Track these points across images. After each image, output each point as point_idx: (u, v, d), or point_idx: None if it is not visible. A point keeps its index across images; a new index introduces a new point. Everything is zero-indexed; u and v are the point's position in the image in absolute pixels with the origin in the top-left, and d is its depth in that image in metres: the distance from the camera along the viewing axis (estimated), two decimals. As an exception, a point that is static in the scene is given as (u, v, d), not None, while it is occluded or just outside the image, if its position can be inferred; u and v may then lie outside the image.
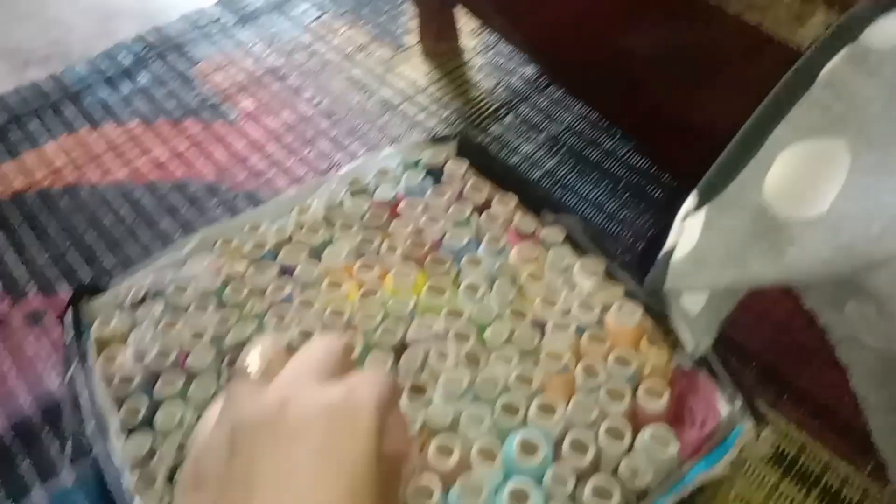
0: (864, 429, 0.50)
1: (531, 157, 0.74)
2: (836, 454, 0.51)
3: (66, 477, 0.54)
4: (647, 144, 0.71)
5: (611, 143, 0.75)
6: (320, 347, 0.31)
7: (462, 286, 0.51)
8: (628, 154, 0.73)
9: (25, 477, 0.55)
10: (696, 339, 0.42)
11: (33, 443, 0.57)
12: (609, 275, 0.51)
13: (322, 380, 0.29)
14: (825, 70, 0.35)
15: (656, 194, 0.69)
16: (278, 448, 0.26)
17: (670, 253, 0.37)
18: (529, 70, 0.85)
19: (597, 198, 0.70)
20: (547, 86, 0.83)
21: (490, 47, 0.88)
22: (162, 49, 0.93)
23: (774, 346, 0.57)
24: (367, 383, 0.29)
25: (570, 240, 0.54)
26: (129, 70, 0.91)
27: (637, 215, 0.68)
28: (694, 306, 0.41)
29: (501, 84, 0.84)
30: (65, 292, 0.67)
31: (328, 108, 0.85)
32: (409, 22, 0.94)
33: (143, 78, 0.91)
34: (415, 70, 0.87)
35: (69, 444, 0.55)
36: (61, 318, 0.52)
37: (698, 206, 0.37)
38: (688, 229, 0.37)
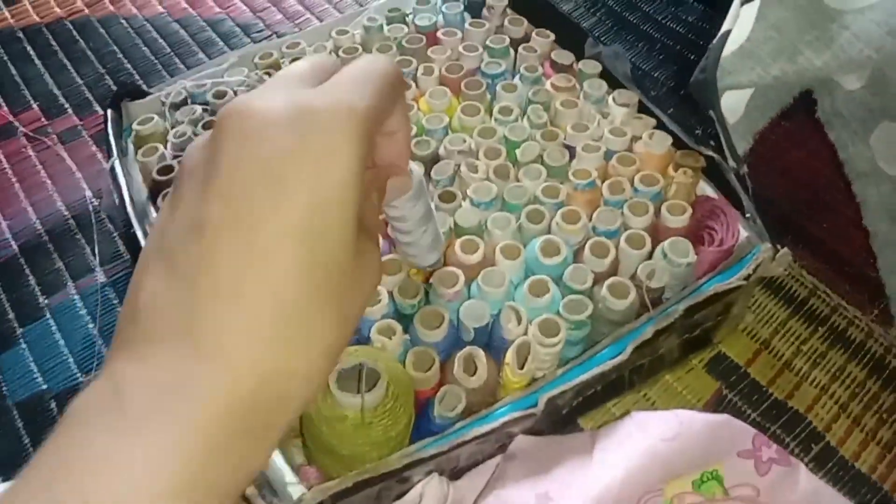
0: (873, 278, 0.51)
1: (570, 15, 0.73)
2: (845, 299, 0.52)
3: (98, 276, 0.57)
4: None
5: (649, 6, 0.74)
6: (305, 60, 0.25)
7: (496, 108, 0.52)
8: (666, 18, 0.72)
9: (59, 275, 0.57)
10: (735, 142, 0.43)
11: (67, 246, 0.59)
12: (642, 108, 0.52)
13: (306, 84, 0.23)
14: None
15: (691, 57, 0.68)
16: (244, 143, 0.21)
17: (724, 39, 0.37)
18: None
19: (632, 57, 0.69)
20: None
21: None
22: None
23: (794, 198, 0.57)
24: (358, 77, 0.23)
25: (606, 74, 0.54)
26: None
27: (670, 76, 0.67)
28: (732, 115, 0.41)
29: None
30: (100, 113, 0.69)
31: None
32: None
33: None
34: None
35: (96, 248, 0.58)
36: (104, 114, 0.54)
37: None
38: (742, 18, 0.37)
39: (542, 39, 0.56)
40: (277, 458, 0.38)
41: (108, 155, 0.51)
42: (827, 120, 0.47)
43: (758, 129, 0.44)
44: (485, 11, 0.59)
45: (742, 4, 0.37)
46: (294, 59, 0.56)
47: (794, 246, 0.55)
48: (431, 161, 0.49)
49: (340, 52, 0.56)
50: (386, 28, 0.58)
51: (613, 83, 0.53)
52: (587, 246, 0.44)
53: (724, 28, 0.37)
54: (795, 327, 0.51)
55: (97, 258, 0.58)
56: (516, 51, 0.56)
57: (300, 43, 0.58)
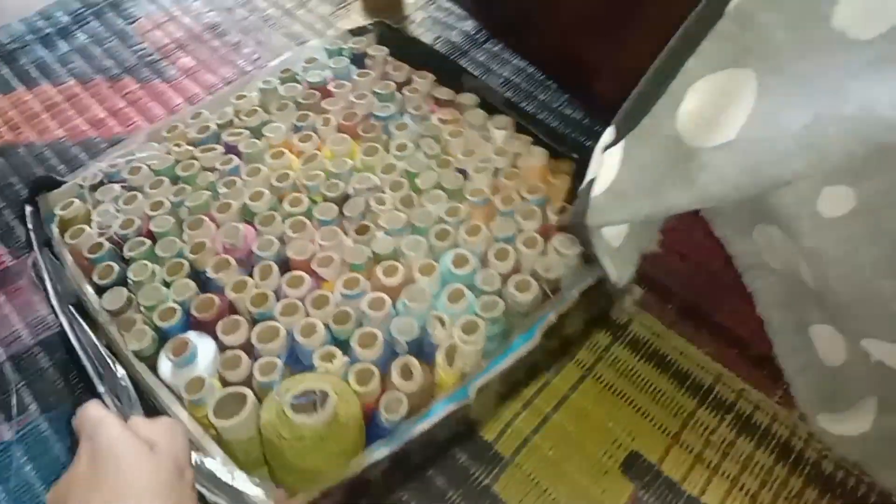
0: (775, 360, 0.51)
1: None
2: (749, 383, 0.53)
3: (6, 433, 0.54)
4: (578, 92, 0.70)
5: (545, 95, 0.78)
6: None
7: (392, 146, 0.58)
8: (561, 105, 0.76)
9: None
10: (618, 270, 0.43)
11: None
12: (520, 129, 0.59)
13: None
14: (732, 4, 0.36)
15: (587, 143, 0.72)
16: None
17: (591, 184, 0.38)
18: (468, 25, 0.87)
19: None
20: (485, 41, 0.85)
21: (431, 2, 0.90)
22: (99, 7, 0.92)
23: (694, 284, 0.58)
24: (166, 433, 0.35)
25: (484, 103, 0.61)
26: (65, 29, 0.90)
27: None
28: (616, 239, 0.43)
29: (441, 38, 0.86)
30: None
31: (268, 65, 0.85)
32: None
33: (79, 37, 0.88)
34: (355, 25, 0.80)
35: (14, 400, 0.56)
36: (21, 209, 0.56)
37: (616, 140, 0.38)
38: (607, 163, 0.38)
39: (423, 80, 0.63)
40: (247, 483, 0.42)
41: (30, 249, 0.53)
42: (711, 219, 0.49)
43: (644, 246, 0.45)
44: (368, 61, 0.66)
45: (603, 152, 0.38)
46: (202, 128, 0.60)
47: (698, 332, 0.56)
48: (342, 200, 0.55)
49: (241, 116, 0.61)
50: (281, 88, 0.63)
51: (491, 110, 0.61)
52: (490, 253, 0.51)
53: (588, 177, 0.38)
54: (704, 417, 0.52)
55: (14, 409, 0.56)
56: (402, 93, 0.63)
57: (202, 112, 0.62)
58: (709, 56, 0.36)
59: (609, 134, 0.38)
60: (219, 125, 0.61)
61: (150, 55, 0.87)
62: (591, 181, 0.38)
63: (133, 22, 0.91)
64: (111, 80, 0.84)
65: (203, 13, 0.91)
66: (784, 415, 0.51)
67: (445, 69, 0.64)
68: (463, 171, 0.56)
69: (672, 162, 0.37)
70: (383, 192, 0.55)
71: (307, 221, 0.53)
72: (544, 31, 0.62)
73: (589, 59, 0.60)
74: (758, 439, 0.51)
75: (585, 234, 0.40)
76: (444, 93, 0.62)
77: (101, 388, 0.45)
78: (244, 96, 0.63)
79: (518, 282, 0.49)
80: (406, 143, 0.58)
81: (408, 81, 0.64)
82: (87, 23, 0.91)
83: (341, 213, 0.54)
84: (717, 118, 0.36)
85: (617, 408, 0.52)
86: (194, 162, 0.58)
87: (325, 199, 0.55)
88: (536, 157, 0.56)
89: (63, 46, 0.89)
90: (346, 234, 0.53)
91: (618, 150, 0.38)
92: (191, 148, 0.59)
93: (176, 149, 0.59)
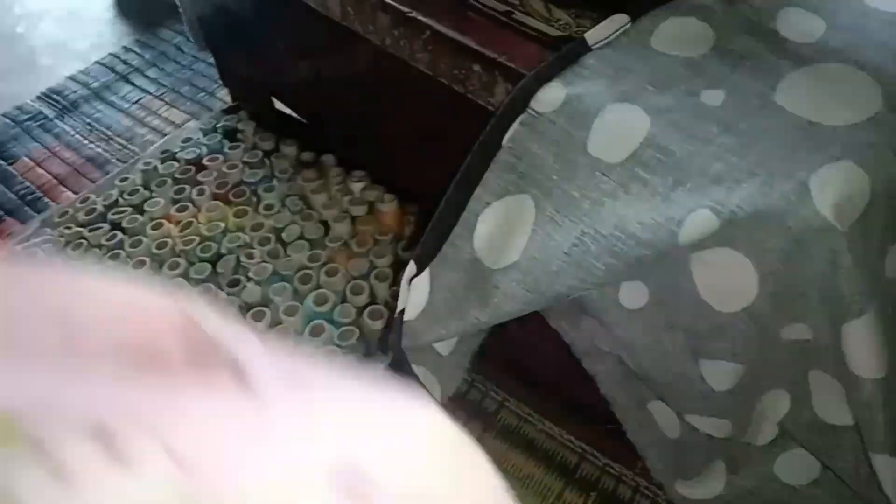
0: None
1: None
2: (611, 458, 0.56)
3: None
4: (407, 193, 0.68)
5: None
6: None
7: (261, 206, 0.65)
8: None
9: None
10: (443, 381, 0.45)
11: None
12: (374, 181, 0.67)
13: None
14: (507, 136, 0.39)
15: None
16: None
17: (402, 313, 0.40)
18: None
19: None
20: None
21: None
22: (-21, 150, 0.89)
23: (557, 365, 0.59)
24: None
25: (342, 162, 0.69)
26: (-54, 178, 0.84)
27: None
28: (445, 348, 0.44)
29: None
30: None
31: (149, 149, 0.87)
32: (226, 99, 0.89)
33: (-39, 185, 0.83)
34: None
35: None
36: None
37: (419, 272, 0.41)
38: (415, 291, 0.41)
39: (289, 147, 0.70)
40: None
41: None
42: (545, 313, 0.51)
43: (473, 350, 0.46)
44: (239, 135, 0.73)
45: (409, 283, 0.41)
46: (89, 211, 0.67)
47: (563, 413, 0.59)
48: (215, 259, 0.61)
49: (125, 195, 0.68)
50: (160, 167, 0.70)
51: (350, 167, 0.69)
52: (347, 289, 0.58)
53: (398, 308, 0.41)
54: (570, 497, 0.55)
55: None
56: (270, 159, 0.70)
57: (90, 196, 0.68)
58: (492, 185, 0.39)
59: (411, 268, 0.41)
60: (105, 206, 0.67)
61: (33, 194, 0.82)
62: (402, 310, 0.41)
63: (13, 162, 0.87)
64: (-7, 225, 0.79)
65: (84, 145, 0.89)
66: (644, 484, 0.54)
67: (307, 135, 0.72)
68: (324, 223, 0.64)
69: (472, 283, 0.39)
70: (252, 248, 0.62)
71: (185, 281, 0.59)
72: (371, 147, 0.66)
73: (411, 169, 0.63)
74: None
75: (405, 357, 0.42)
76: (308, 156, 0.70)
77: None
78: (127, 178, 0.70)
79: (371, 311, 0.56)
80: (273, 202, 0.65)
81: (276, 148, 0.71)
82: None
83: (215, 271, 0.60)
84: (504, 241, 0.39)
85: (488, 499, 0.54)
86: (83, 241, 0.64)
87: (200, 261, 0.61)
88: (389, 204, 0.64)
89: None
90: (220, 288, 0.59)
91: (424, 278, 0.41)
92: (80, 229, 0.65)
93: (66, 231, 0.65)
